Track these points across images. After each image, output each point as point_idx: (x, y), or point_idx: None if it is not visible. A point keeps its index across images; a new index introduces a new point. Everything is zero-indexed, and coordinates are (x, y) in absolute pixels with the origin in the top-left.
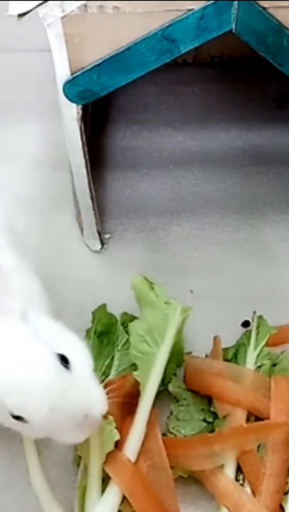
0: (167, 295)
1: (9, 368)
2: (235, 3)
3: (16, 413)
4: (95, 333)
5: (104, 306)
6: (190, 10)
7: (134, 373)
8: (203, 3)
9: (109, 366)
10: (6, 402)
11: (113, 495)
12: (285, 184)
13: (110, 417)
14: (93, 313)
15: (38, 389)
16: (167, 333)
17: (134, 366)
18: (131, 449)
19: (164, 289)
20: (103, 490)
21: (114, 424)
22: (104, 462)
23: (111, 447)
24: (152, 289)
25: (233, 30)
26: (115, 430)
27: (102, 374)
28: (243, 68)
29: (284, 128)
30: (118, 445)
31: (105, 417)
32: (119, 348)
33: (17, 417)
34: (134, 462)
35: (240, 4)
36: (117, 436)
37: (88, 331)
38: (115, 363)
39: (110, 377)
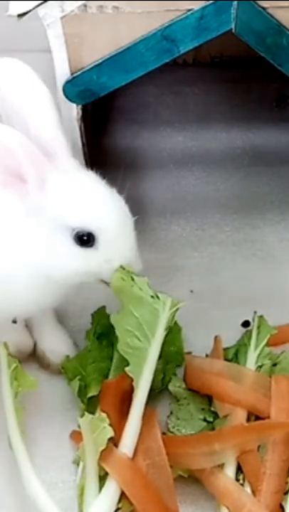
0: (150, 287)
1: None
2: (235, 3)
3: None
4: (94, 334)
5: (103, 308)
6: (190, 10)
7: (126, 369)
8: (202, 3)
9: (108, 367)
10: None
11: (111, 492)
12: (285, 184)
13: (103, 414)
14: (93, 315)
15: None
16: (158, 327)
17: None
18: (127, 444)
19: (146, 281)
20: (101, 488)
21: (107, 421)
22: (102, 460)
23: (104, 444)
24: (133, 281)
25: (233, 30)
26: (109, 427)
27: (101, 375)
28: (243, 68)
29: (284, 128)
30: (117, 443)
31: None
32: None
33: (84, 241)
34: (134, 460)
35: (240, 4)
36: (111, 433)
37: (88, 332)
38: (114, 364)
39: (109, 378)
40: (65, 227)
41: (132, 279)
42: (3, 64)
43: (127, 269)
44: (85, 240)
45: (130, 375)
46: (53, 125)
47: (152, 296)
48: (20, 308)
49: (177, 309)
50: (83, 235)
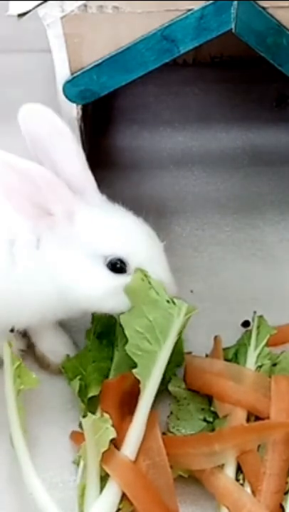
0: (166, 291)
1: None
2: (235, 3)
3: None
4: (94, 333)
5: None
6: (190, 10)
7: (134, 371)
8: (202, 3)
9: (109, 367)
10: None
11: (111, 493)
12: (285, 184)
13: (106, 415)
14: (93, 314)
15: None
16: (170, 332)
17: (133, 364)
18: (130, 446)
19: (163, 286)
20: (102, 488)
21: (110, 422)
22: (104, 461)
23: (106, 446)
24: (150, 284)
25: (233, 30)
26: (111, 428)
27: (102, 375)
28: (243, 68)
29: (284, 128)
30: (118, 444)
31: (101, 415)
32: (118, 348)
33: (117, 268)
34: (134, 461)
35: (240, 4)
36: (113, 435)
37: (88, 331)
38: (115, 363)
39: (109, 377)
40: (97, 255)
41: (149, 282)
42: (28, 110)
43: (145, 272)
44: (118, 267)
45: (138, 377)
46: (80, 164)
47: (168, 301)
48: (23, 321)
49: (190, 316)
50: (116, 262)
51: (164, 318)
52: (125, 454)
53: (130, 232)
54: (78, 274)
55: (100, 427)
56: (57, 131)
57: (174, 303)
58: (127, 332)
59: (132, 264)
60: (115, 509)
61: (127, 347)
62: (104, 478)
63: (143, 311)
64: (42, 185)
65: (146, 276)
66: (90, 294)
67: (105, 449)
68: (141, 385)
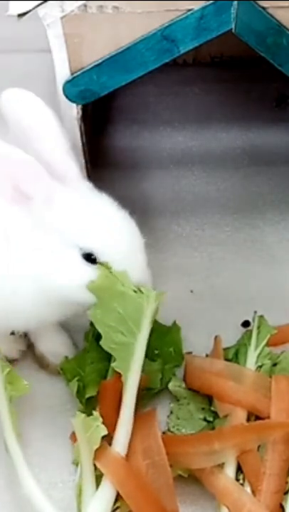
0: (131, 281)
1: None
2: (235, 3)
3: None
4: (92, 335)
5: None
6: (190, 10)
7: (113, 365)
8: (202, 3)
9: (107, 368)
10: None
11: (106, 491)
12: (285, 184)
13: (96, 413)
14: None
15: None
16: (143, 321)
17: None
18: (120, 442)
19: (127, 275)
20: (98, 487)
21: (100, 420)
22: (96, 459)
23: (98, 443)
24: (114, 277)
25: (233, 30)
26: (102, 426)
27: (100, 376)
28: (243, 68)
29: (284, 128)
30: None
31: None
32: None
33: (92, 259)
34: (133, 460)
35: (240, 4)
36: (104, 432)
37: (86, 333)
38: (113, 364)
39: (107, 378)
40: (72, 245)
41: (114, 276)
42: (11, 94)
43: (107, 266)
44: (93, 258)
45: (118, 370)
46: (61, 149)
47: (135, 291)
48: (21, 322)
49: (160, 301)
50: (91, 253)
51: (134, 308)
52: (116, 450)
53: (106, 224)
54: (54, 260)
55: (90, 425)
56: (39, 116)
57: (141, 291)
58: (99, 328)
59: (104, 257)
60: (111, 506)
61: (101, 342)
62: (101, 477)
63: (112, 305)
64: (21, 169)
65: (109, 270)
66: (66, 283)
67: (97, 446)
68: (123, 378)
